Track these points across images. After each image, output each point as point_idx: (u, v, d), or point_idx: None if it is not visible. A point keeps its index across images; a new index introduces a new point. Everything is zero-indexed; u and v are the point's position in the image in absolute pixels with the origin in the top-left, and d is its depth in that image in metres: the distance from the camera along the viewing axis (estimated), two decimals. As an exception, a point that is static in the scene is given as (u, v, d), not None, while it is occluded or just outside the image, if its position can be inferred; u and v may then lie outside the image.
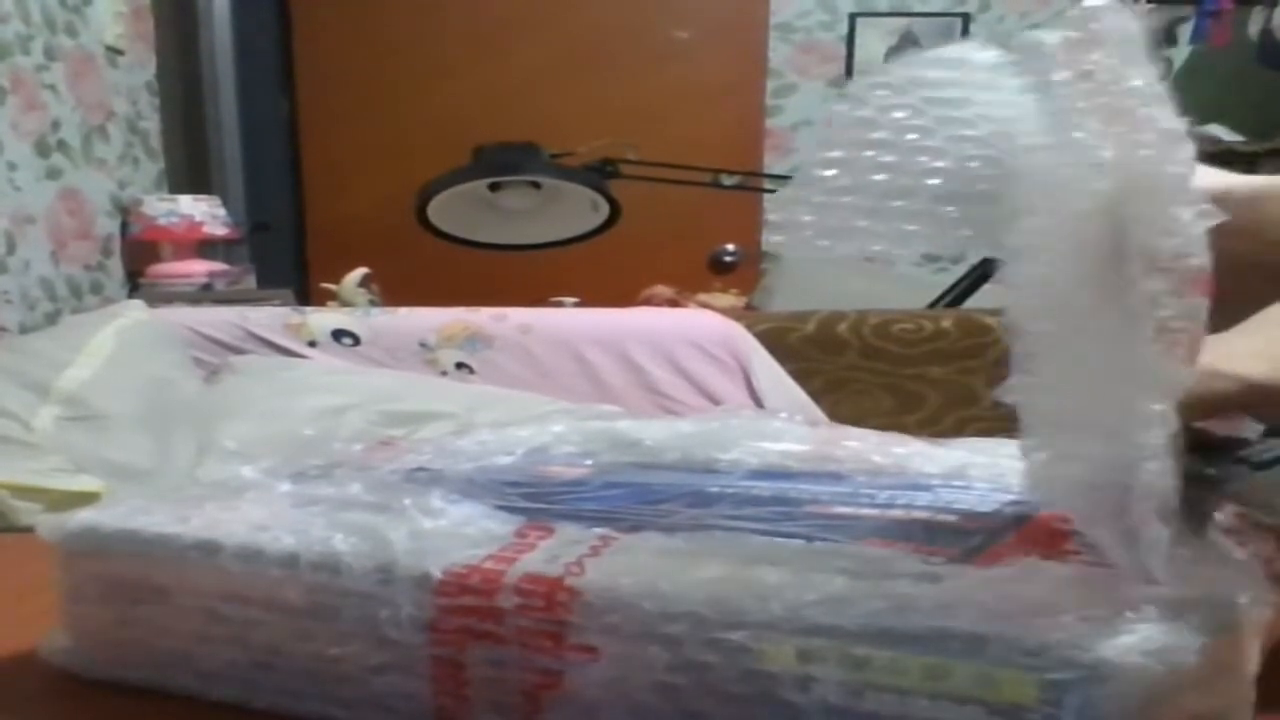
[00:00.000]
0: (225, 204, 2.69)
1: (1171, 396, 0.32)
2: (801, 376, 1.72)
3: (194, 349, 1.67)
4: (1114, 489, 0.33)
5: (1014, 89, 0.40)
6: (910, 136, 0.40)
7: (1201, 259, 0.33)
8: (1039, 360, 0.37)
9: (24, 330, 1.98)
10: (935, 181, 0.40)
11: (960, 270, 2.08)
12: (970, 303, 1.99)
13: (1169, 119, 0.34)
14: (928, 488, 0.47)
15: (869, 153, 0.40)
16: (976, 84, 0.41)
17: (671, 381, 1.68)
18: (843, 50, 3.76)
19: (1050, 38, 0.39)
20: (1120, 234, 0.34)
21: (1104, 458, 0.34)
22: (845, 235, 0.41)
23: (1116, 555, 0.34)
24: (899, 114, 0.41)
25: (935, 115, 0.40)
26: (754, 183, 2.78)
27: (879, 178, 0.40)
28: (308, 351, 1.69)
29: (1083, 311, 0.35)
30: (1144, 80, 0.35)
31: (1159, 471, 0.32)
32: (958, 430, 1.71)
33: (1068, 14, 0.38)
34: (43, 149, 2.18)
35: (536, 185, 2.05)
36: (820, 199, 0.41)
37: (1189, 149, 0.34)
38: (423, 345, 1.70)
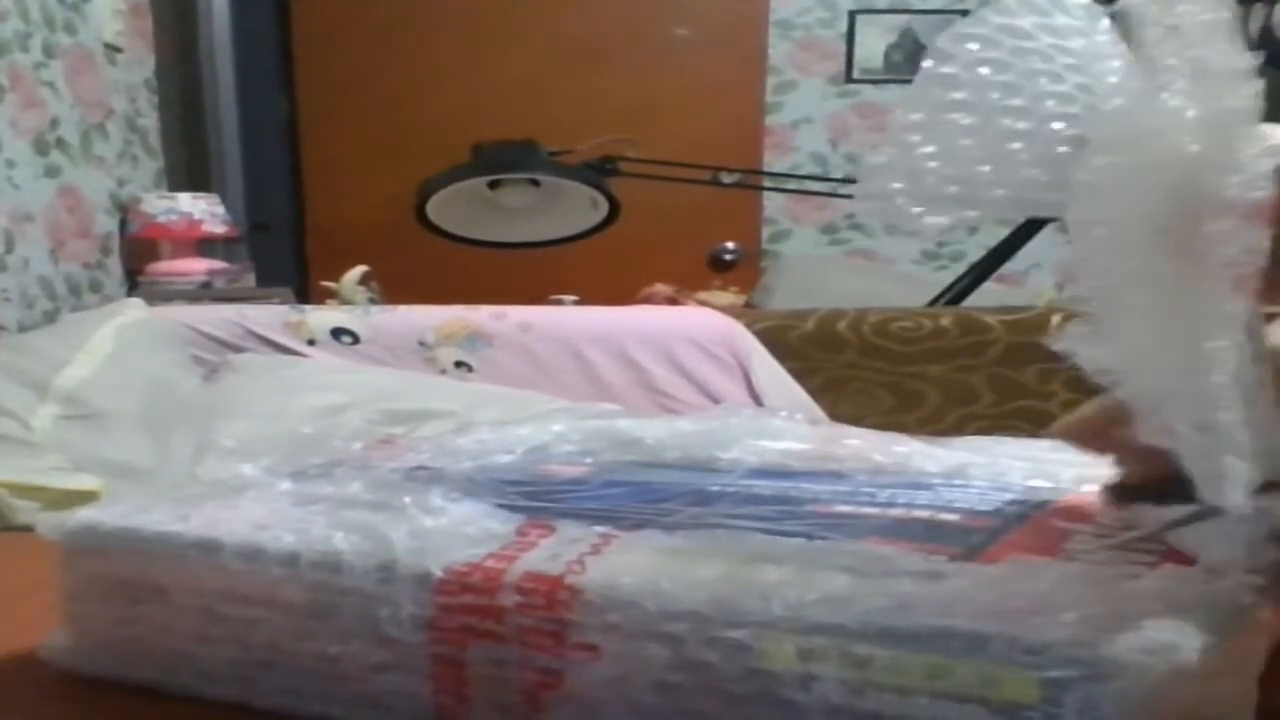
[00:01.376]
0: (225, 202, 2.69)
1: (1235, 333, 0.32)
2: (801, 375, 1.72)
3: (193, 347, 1.67)
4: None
5: (1105, 38, 0.39)
6: (993, 95, 0.39)
7: (1262, 191, 0.32)
8: (1107, 305, 0.36)
9: (23, 328, 1.98)
10: (1017, 146, 0.38)
11: (960, 268, 2.08)
12: (970, 301, 1.99)
13: (1228, 57, 0.34)
14: (928, 486, 0.47)
15: (952, 115, 0.39)
16: (1068, 30, 0.39)
17: (671, 380, 1.68)
18: (842, 47, 3.76)
19: None
20: (1193, 181, 0.33)
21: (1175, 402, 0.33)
22: (936, 202, 0.39)
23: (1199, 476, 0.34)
24: (984, 70, 0.39)
25: (1022, 69, 0.39)
26: (754, 180, 2.78)
27: (965, 141, 0.39)
28: (307, 350, 1.69)
29: (1154, 258, 0.34)
30: (1206, 20, 0.34)
31: (1230, 411, 0.32)
32: (957, 429, 1.71)
33: None
34: (41, 147, 2.18)
35: (536, 183, 2.05)
36: (910, 166, 0.39)
37: (1251, 85, 0.34)
38: (422, 344, 1.71)
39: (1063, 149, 0.38)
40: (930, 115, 0.39)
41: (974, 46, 0.39)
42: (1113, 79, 0.37)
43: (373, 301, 2.12)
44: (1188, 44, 0.34)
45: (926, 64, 0.40)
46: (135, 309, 1.70)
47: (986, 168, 0.39)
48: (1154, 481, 0.39)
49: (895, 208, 0.39)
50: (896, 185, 0.39)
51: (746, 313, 1.95)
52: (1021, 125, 0.38)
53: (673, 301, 2.28)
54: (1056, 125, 0.38)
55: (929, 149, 0.39)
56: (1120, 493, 0.42)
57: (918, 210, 0.39)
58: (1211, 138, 0.33)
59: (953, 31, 0.40)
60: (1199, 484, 0.34)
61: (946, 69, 0.39)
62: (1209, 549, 0.35)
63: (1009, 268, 2.01)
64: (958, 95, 0.39)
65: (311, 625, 0.40)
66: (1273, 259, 0.35)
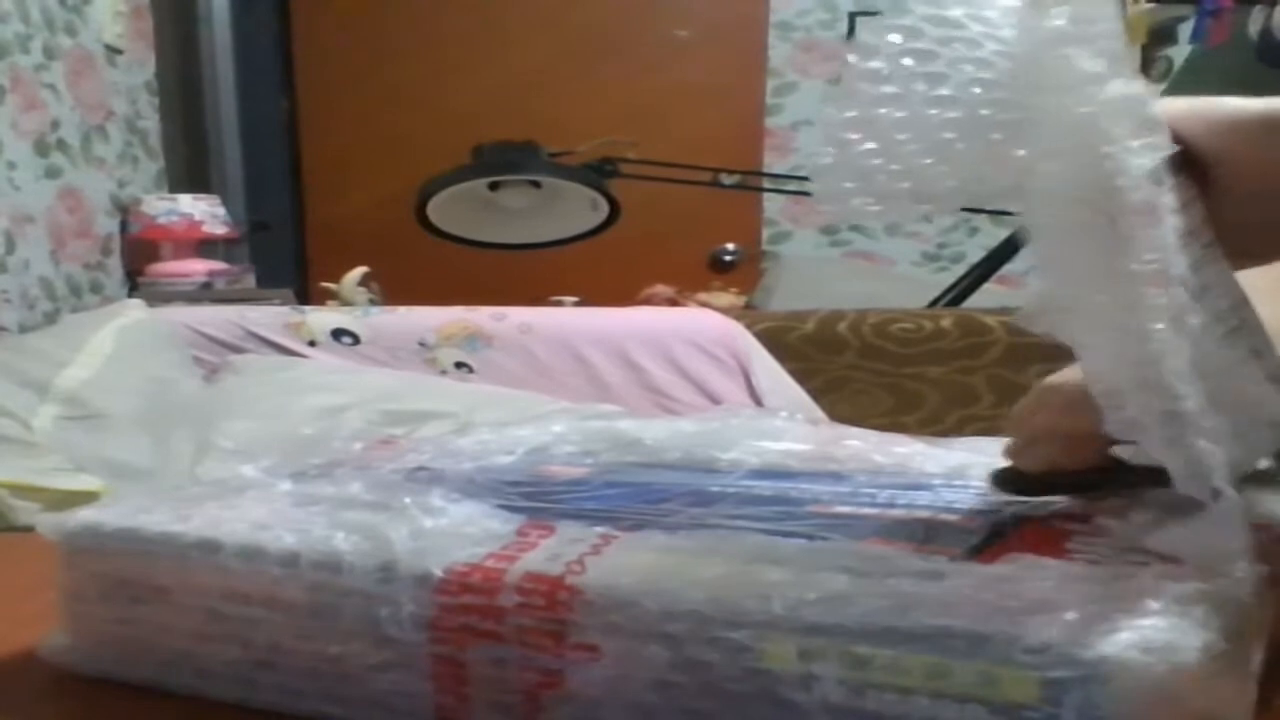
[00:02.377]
0: (225, 203, 2.69)
1: (1184, 321, 0.32)
2: (801, 376, 1.72)
3: (193, 348, 1.67)
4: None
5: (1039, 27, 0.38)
6: (919, 87, 0.38)
7: (1143, 191, 0.32)
8: (1066, 302, 0.36)
9: (23, 329, 1.97)
10: (951, 136, 0.38)
11: (960, 270, 2.08)
12: (970, 302, 1.99)
13: (1091, 58, 0.33)
14: (929, 487, 0.47)
15: (883, 110, 0.38)
16: (999, 23, 0.38)
17: (671, 381, 1.68)
18: (843, 49, 3.75)
19: None
20: (1105, 179, 0.33)
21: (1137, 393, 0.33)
22: (891, 200, 0.39)
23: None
24: (909, 61, 0.38)
25: (948, 57, 0.38)
26: (753, 182, 2.78)
27: (901, 136, 0.38)
28: (307, 350, 1.69)
29: (1102, 252, 0.34)
30: (1069, 18, 0.34)
31: (1189, 400, 0.32)
32: (957, 430, 1.71)
33: None
34: (42, 148, 2.18)
35: (536, 184, 2.05)
36: (856, 165, 0.39)
37: (1115, 86, 0.33)
38: (422, 344, 1.70)
39: (996, 136, 0.38)
40: (863, 111, 0.39)
41: (896, 38, 0.39)
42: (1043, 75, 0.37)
43: (373, 302, 2.12)
44: (1068, 43, 0.34)
45: (851, 58, 0.39)
46: (136, 310, 1.70)
47: (929, 160, 0.38)
48: (1065, 472, 0.39)
49: (853, 208, 0.39)
50: (848, 185, 0.39)
51: (747, 314, 1.95)
52: (952, 114, 0.38)
53: (673, 302, 2.28)
54: (985, 112, 0.38)
55: (870, 145, 0.38)
56: (1011, 481, 0.43)
57: (875, 209, 0.39)
58: (1104, 137, 0.33)
59: (874, 23, 0.39)
60: (1176, 479, 0.34)
61: (872, 63, 0.39)
62: (1207, 549, 0.35)
63: (1009, 269, 2.01)
64: (886, 89, 0.38)
65: (312, 625, 0.40)
66: (1241, 227, 0.35)
